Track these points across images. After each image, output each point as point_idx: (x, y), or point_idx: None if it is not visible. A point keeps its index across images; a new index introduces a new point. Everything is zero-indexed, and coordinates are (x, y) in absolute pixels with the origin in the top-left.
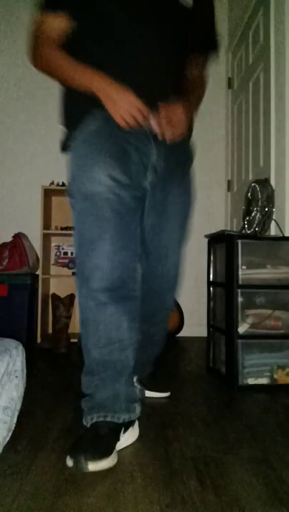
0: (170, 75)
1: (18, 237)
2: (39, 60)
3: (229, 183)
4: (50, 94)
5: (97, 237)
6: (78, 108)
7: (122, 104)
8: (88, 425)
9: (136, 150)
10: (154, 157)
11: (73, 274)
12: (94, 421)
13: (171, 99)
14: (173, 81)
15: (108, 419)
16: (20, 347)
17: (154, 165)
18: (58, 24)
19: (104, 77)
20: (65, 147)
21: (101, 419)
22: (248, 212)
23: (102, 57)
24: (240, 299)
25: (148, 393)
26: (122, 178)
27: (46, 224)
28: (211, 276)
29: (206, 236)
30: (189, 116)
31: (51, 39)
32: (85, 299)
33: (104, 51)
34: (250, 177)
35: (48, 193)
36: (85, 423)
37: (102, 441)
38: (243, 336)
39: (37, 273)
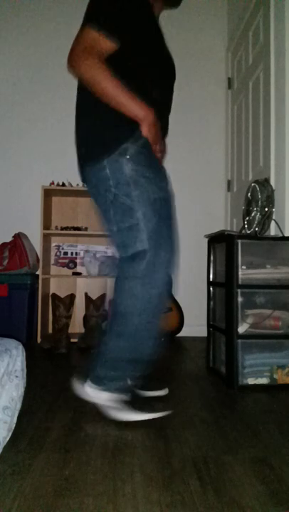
0: (168, 119)
1: (18, 237)
2: (84, 70)
3: (229, 183)
4: (50, 95)
5: (166, 234)
6: (127, 123)
7: (158, 142)
8: None
9: (164, 175)
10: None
11: (73, 274)
12: None
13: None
14: (168, 124)
15: None
16: (21, 347)
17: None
18: (110, 46)
19: (152, 114)
20: (106, 154)
21: None
22: (248, 212)
23: (144, 90)
24: (240, 299)
25: (146, 394)
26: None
27: (46, 224)
28: (211, 276)
29: (206, 236)
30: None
31: (102, 56)
32: (163, 269)
33: (145, 86)
34: (250, 177)
35: (48, 193)
36: None
37: None
38: (243, 336)
39: (37, 273)
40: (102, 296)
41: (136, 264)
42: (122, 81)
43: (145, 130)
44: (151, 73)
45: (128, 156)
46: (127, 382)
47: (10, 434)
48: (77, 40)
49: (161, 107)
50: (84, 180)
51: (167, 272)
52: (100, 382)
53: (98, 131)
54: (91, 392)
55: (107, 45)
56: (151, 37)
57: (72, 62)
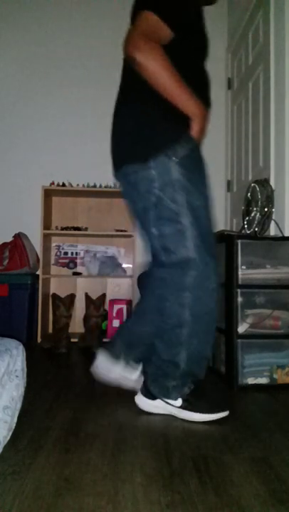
0: None
1: (19, 237)
2: (145, 56)
3: (229, 184)
4: (50, 95)
5: (211, 242)
6: (179, 124)
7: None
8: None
9: None
10: None
11: (73, 274)
12: None
13: None
14: None
15: None
16: (21, 347)
17: None
18: (169, 34)
19: (206, 113)
20: (153, 154)
21: None
22: (247, 212)
23: (196, 86)
24: (239, 299)
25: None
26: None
27: (46, 224)
28: None
29: None
30: None
31: (161, 43)
32: (212, 276)
33: (197, 82)
34: (250, 177)
35: (48, 193)
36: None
37: None
38: (243, 336)
39: (37, 273)
40: (102, 296)
41: (184, 273)
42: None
43: (196, 129)
44: (200, 70)
45: (177, 159)
46: (189, 386)
47: (10, 433)
48: (136, 24)
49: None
50: (118, 177)
51: (215, 280)
52: (167, 394)
53: (147, 128)
54: (157, 404)
55: (166, 32)
56: (200, 33)
57: (131, 46)
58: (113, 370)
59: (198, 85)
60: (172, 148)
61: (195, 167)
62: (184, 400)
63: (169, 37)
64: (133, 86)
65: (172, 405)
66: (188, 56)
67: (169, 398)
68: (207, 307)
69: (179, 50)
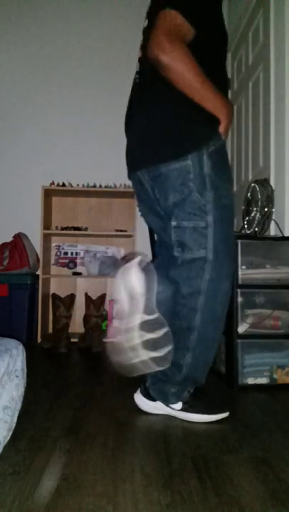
0: None
1: (19, 237)
2: (169, 53)
3: None
4: (50, 95)
5: (230, 244)
6: (211, 121)
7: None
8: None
9: None
10: None
11: (73, 274)
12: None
13: None
14: None
15: None
16: (21, 347)
17: None
18: (192, 32)
19: (232, 111)
20: (189, 148)
21: None
22: (247, 212)
23: (220, 84)
24: (239, 299)
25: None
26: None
27: (46, 224)
28: None
29: None
30: None
31: (185, 42)
32: (227, 281)
33: (220, 80)
34: (250, 177)
35: (48, 193)
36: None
37: None
38: (243, 336)
39: (37, 273)
40: (102, 296)
41: (198, 275)
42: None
43: (223, 127)
44: (222, 67)
45: (210, 154)
46: (188, 391)
47: (10, 433)
48: (159, 23)
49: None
50: (140, 175)
51: (229, 286)
52: (166, 398)
53: (178, 127)
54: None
55: (190, 30)
56: (221, 30)
57: (156, 47)
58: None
59: (221, 83)
60: (206, 144)
61: (223, 164)
62: (184, 403)
63: (192, 35)
64: (157, 86)
65: (172, 408)
66: (210, 54)
67: (168, 402)
68: (218, 313)
69: (202, 48)
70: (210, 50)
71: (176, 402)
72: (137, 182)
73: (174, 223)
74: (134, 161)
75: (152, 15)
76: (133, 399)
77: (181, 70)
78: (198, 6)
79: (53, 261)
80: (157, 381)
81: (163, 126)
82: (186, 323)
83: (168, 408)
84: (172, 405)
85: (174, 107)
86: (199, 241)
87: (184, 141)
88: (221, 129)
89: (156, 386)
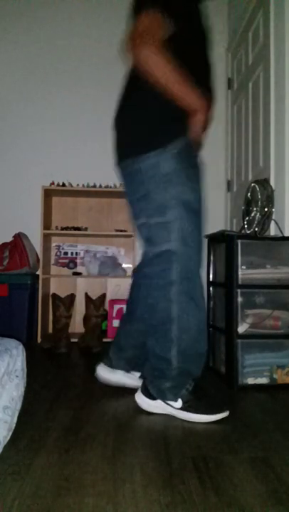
0: None
1: (19, 237)
2: (145, 54)
3: (229, 184)
4: (50, 95)
5: (197, 238)
6: (180, 118)
7: (201, 136)
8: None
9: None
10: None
11: (73, 274)
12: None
13: None
14: None
15: None
16: (21, 347)
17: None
18: (167, 30)
19: (207, 105)
20: (155, 146)
21: None
22: (247, 212)
23: (197, 79)
24: (239, 299)
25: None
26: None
27: (46, 224)
28: (211, 276)
29: (206, 236)
30: None
31: (160, 40)
32: (197, 271)
33: (198, 75)
34: (250, 177)
35: (48, 193)
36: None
37: None
38: (243, 336)
39: (37, 273)
40: (102, 296)
41: (168, 267)
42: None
43: (197, 122)
44: (202, 60)
45: (174, 153)
46: (187, 388)
47: (10, 433)
48: (135, 24)
49: (210, 99)
50: (119, 168)
51: (199, 275)
52: (164, 395)
53: (146, 124)
54: (159, 405)
55: (165, 28)
56: (201, 29)
57: (130, 45)
58: (113, 377)
59: (201, 76)
60: (170, 143)
61: (189, 162)
62: (184, 402)
63: (168, 31)
64: (134, 83)
65: (172, 406)
66: (189, 47)
67: (166, 399)
68: (194, 301)
69: (180, 42)
70: (188, 44)
71: (174, 399)
72: (120, 174)
73: (139, 221)
74: (115, 154)
75: (133, 18)
76: (133, 399)
77: (152, 66)
78: (176, 5)
79: (53, 261)
80: (154, 378)
81: (132, 125)
82: (164, 314)
83: (168, 407)
84: (172, 403)
85: (144, 107)
86: (163, 235)
87: (149, 140)
88: (194, 124)
89: (154, 383)
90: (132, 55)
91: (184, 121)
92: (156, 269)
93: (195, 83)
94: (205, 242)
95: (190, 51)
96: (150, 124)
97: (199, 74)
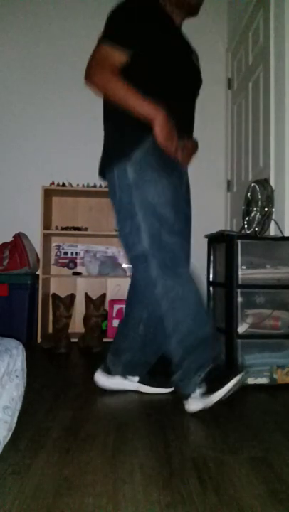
0: (192, 119)
1: (19, 237)
2: (98, 82)
3: (229, 183)
4: (50, 95)
5: (168, 238)
6: (135, 130)
7: (173, 140)
8: None
9: (178, 177)
10: (184, 178)
11: (73, 274)
12: None
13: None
14: (191, 124)
15: None
16: (21, 347)
17: (185, 183)
18: (121, 58)
19: (163, 112)
20: (115, 160)
21: None
22: (247, 212)
23: (159, 93)
24: (239, 299)
25: (150, 389)
26: (175, 196)
27: (46, 224)
28: (211, 276)
29: (206, 236)
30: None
31: (115, 69)
32: (179, 277)
33: (160, 91)
34: (250, 177)
35: (48, 193)
36: None
37: None
38: (243, 336)
39: (37, 273)
40: (102, 296)
41: (146, 267)
42: (136, 88)
43: (157, 129)
44: (167, 81)
45: (133, 161)
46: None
47: (10, 433)
48: (91, 56)
49: (179, 110)
50: (105, 177)
51: (181, 264)
52: (192, 386)
53: (112, 137)
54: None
55: (119, 57)
56: (167, 47)
57: (87, 76)
58: (111, 383)
59: (164, 95)
60: (130, 153)
61: (154, 165)
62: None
63: (122, 59)
64: (104, 102)
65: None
66: (152, 69)
67: (188, 391)
68: (182, 292)
69: (142, 64)
70: (152, 66)
71: (193, 389)
72: None
73: (117, 229)
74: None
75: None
76: (133, 399)
77: (104, 88)
78: (132, 33)
79: (53, 261)
80: (182, 377)
81: (104, 138)
82: (158, 313)
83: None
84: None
85: (110, 120)
86: (134, 239)
87: (112, 153)
88: (156, 130)
89: (182, 382)
90: (89, 81)
91: (146, 129)
92: (138, 271)
93: (155, 96)
94: (205, 242)
95: (153, 69)
96: (115, 136)
97: (161, 94)
